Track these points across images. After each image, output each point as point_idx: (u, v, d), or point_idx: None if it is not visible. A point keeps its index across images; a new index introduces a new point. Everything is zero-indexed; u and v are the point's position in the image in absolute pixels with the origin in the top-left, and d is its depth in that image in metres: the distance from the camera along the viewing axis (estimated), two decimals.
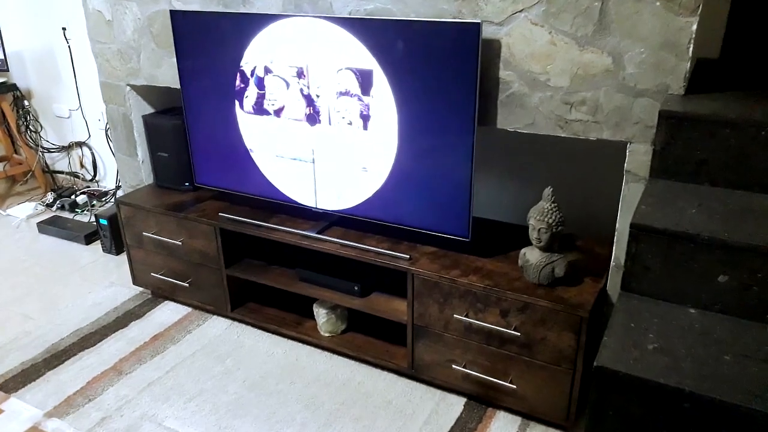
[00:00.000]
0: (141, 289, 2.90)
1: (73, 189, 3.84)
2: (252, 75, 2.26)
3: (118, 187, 3.70)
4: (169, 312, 2.75)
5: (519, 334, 1.94)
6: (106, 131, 3.60)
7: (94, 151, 3.83)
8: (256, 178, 2.43)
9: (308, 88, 2.16)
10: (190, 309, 2.76)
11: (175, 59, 2.47)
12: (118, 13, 2.54)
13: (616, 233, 1.93)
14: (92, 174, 3.90)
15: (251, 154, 2.40)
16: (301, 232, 2.32)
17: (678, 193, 1.54)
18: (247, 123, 2.36)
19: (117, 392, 2.26)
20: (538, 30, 1.81)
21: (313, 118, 2.20)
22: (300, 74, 2.16)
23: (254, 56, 2.23)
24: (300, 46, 2.12)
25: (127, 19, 2.53)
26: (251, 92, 2.29)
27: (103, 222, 3.17)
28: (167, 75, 2.54)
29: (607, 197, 2.28)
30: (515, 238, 2.25)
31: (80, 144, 3.86)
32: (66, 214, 3.67)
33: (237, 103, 2.34)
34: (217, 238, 2.47)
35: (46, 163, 4.09)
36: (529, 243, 2.04)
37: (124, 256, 3.22)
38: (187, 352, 2.48)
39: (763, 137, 1.46)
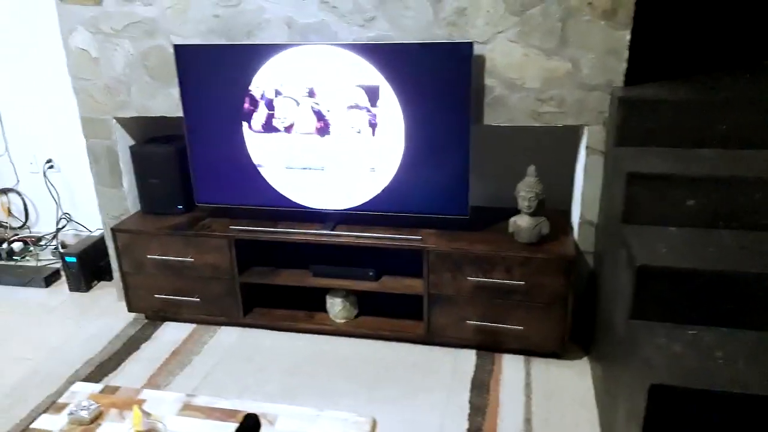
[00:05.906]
0: (134, 315, 2.97)
1: (3, 237, 3.68)
2: (262, 98, 2.56)
3: (59, 230, 3.64)
4: (174, 331, 2.87)
5: (523, 283, 2.45)
6: (45, 173, 3.56)
7: (24, 196, 3.72)
8: (264, 190, 2.70)
9: (318, 105, 2.52)
10: (194, 325, 2.90)
11: (170, 90, 2.67)
12: (107, 51, 2.68)
13: (581, 196, 2.54)
14: (24, 220, 3.76)
15: (259, 169, 2.67)
16: (316, 231, 2.64)
17: (640, 154, 2.17)
18: (255, 141, 2.63)
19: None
20: (514, 46, 2.37)
21: (323, 130, 2.56)
22: (311, 94, 2.51)
23: (264, 81, 2.53)
24: (310, 70, 2.48)
25: (117, 55, 2.68)
26: (260, 113, 2.58)
27: (71, 260, 3.16)
28: (162, 105, 2.72)
29: (549, 172, 2.89)
30: (493, 216, 2.77)
31: (6, 191, 3.73)
32: (3, 263, 3.52)
33: (245, 124, 2.61)
34: (231, 249, 2.68)
35: None
36: (509, 216, 2.57)
37: (96, 292, 3.24)
38: (213, 360, 2.64)
39: (691, 109, 2.14)
